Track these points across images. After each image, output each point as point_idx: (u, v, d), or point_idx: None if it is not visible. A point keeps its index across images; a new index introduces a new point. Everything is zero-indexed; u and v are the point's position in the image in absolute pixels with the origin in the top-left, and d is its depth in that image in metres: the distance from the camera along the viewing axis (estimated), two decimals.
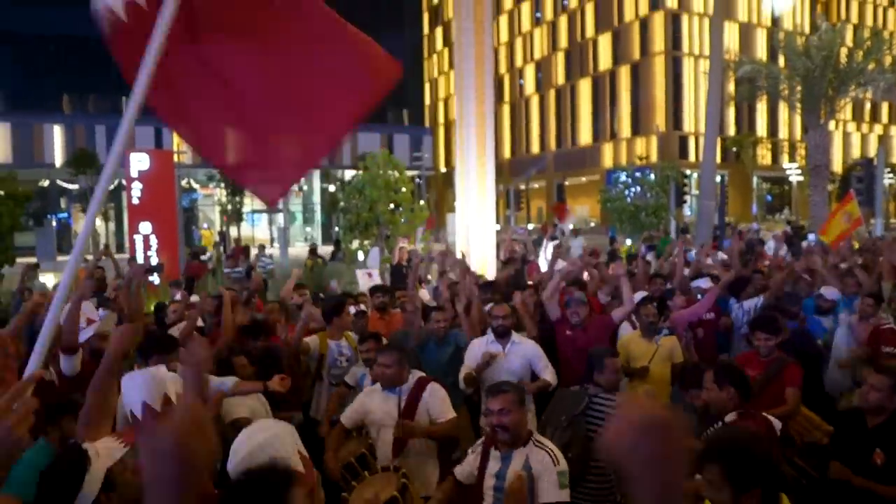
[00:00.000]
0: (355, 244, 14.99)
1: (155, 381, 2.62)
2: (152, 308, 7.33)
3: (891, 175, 40.22)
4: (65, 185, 39.37)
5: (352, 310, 6.07)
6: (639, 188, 21.73)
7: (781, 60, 23.90)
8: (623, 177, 22.44)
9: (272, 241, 37.91)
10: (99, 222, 38.62)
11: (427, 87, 68.69)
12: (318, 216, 47.87)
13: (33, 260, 22.39)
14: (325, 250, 27.03)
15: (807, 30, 49.29)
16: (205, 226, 44.47)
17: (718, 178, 23.42)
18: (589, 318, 5.60)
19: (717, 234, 17.46)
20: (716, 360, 5.11)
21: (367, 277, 9.35)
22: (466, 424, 5.05)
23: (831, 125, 27.79)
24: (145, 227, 16.57)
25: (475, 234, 11.35)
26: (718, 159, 30.68)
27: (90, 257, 10.83)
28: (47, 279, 14.05)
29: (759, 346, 4.72)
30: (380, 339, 4.95)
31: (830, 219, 11.05)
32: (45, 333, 2.20)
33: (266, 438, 2.22)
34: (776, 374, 4.53)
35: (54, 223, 38.22)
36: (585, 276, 7.37)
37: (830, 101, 21.36)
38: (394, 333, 5.86)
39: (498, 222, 41.38)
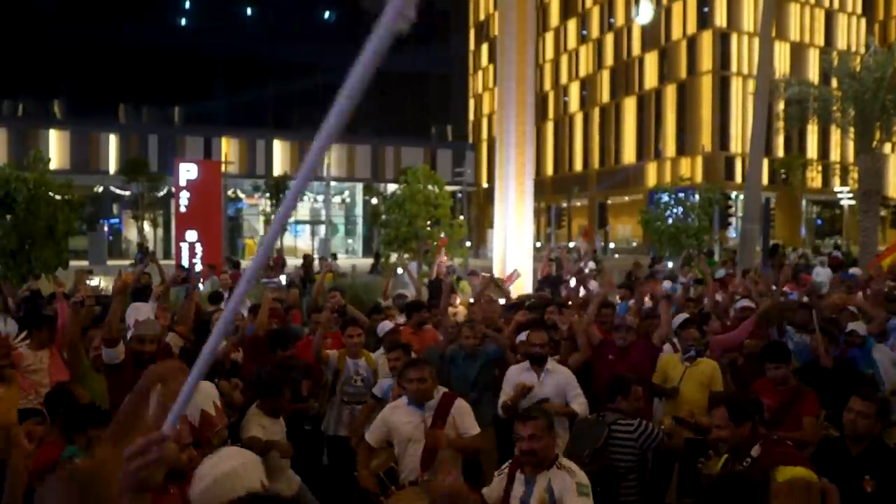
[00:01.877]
0: (394, 258, 15.17)
1: (199, 395, 2.89)
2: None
3: None
4: (117, 191, 40.76)
5: (387, 325, 6.14)
6: (681, 209, 21.44)
7: (834, 81, 23.36)
8: (665, 197, 22.18)
9: (314, 251, 38.46)
10: (147, 228, 39.81)
11: (471, 102, 69.08)
12: (360, 228, 48.46)
13: (85, 264, 23.20)
14: (366, 262, 27.32)
15: (862, 50, 48.06)
16: (249, 235, 45.48)
17: (765, 201, 22.92)
18: (634, 343, 5.57)
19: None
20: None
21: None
22: (492, 446, 5.08)
23: (886, 148, 26.94)
24: (191, 234, 17.05)
25: (513, 252, 11.38)
26: (766, 181, 30.05)
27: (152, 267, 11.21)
28: (96, 282, 14.54)
29: (770, 375, 4.72)
30: (409, 349, 5.03)
31: (887, 254, 10.70)
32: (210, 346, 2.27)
33: (232, 468, 2.29)
34: (795, 402, 4.54)
35: (106, 228, 39.55)
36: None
37: (885, 124, 20.76)
38: (429, 349, 5.93)
39: (539, 240, 41.13)
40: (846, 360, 5.81)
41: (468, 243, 25.77)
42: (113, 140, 44.02)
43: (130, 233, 42.83)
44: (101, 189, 41.80)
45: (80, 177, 33.59)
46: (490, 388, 5.41)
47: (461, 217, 20.23)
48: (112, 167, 42.87)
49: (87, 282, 13.05)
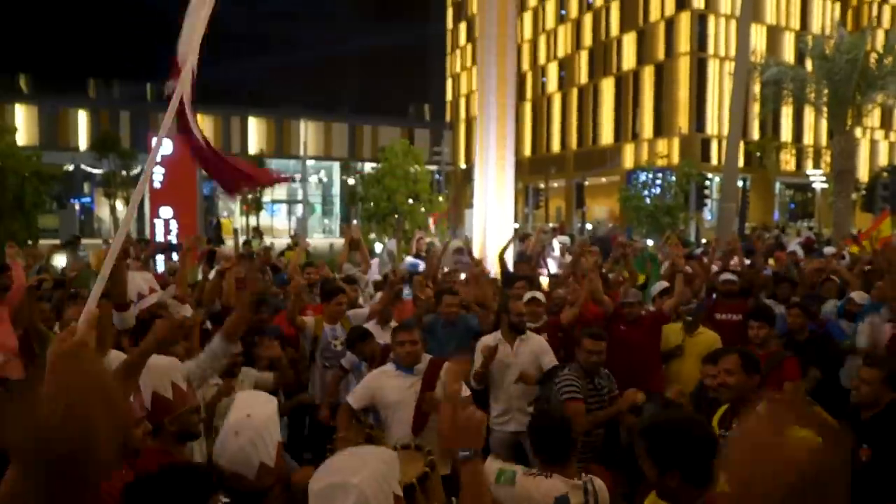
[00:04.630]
0: (372, 236, 15.01)
1: (152, 373, 2.71)
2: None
3: None
4: (89, 169, 39.87)
5: (361, 313, 6.06)
6: (658, 188, 21.58)
7: (809, 64, 23.57)
8: (643, 176, 22.28)
9: (290, 231, 38.04)
10: (120, 207, 39.07)
11: (449, 82, 68.60)
12: (336, 208, 48.05)
13: (57, 242, 22.70)
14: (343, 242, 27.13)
15: (836, 33, 48.47)
16: (224, 214, 44.86)
17: (740, 183, 23.15)
18: (641, 315, 5.65)
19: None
20: None
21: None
22: None
23: (858, 132, 27.34)
24: (166, 211, 16.73)
25: (493, 231, 11.29)
26: (741, 163, 30.30)
27: (112, 241, 10.98)
28: (62, 260, 14.22)
29: (752, 335, 4.76)
30: (366, 336, 4.99)
31: (870, 231, 10.93)
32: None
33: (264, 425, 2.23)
34: (774, 367, 4.56)
35: (77, 207, 38.69)
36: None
37: (857, 107, 21.04)
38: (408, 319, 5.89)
39: (517, 221, 41.05)
40: (823, 334, 5.87)
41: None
42: (83, 116, 42.99)
43: (102, 211, 42.01)
44: (71, 167, 40.84)
45: (50, 154, 32.68)
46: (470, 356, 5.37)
47: (440, 196, 20.12)
48: (83, 144, 41.93)
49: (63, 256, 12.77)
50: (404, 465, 3.47)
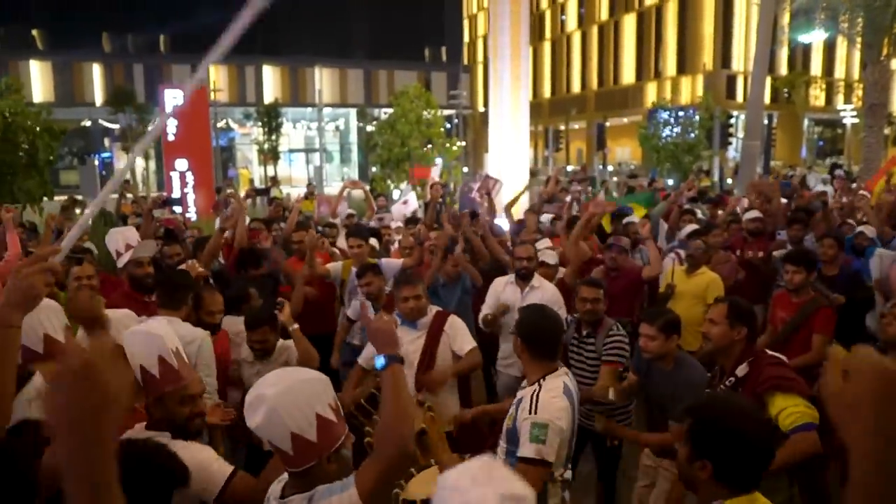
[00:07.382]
0: (389, 182, 14.83)
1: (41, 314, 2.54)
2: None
3: None
4: (106, 124, 39.89)
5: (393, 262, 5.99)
6: (678, 127, 20.92)
7: None
8: (665, 115, 21.60)
9: (308, 181, 37.97)
10: (140, 162, 39.19)
11: (466, 23, 66.86)
12: (354, 156, 47.77)
13: (78, 198, 22.91)
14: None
15: None
16: (242, 165, 44.87)
17: (766, 119, 22.36)
18: (623, 267, 5.49)
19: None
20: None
21: (403, 205, 9.27)
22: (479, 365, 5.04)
23: (893, 63, 26.12)
24: (181, 163, 16.66)
25: (508, 175, 11.10)
26: (768, 100, 29.27)
27: (130, 196, 10.98)
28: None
29: (787, 279, 4.42)
30: (378, 270, 4.86)
31: (880, 175, 10.49)
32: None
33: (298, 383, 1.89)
34: (807, 318, 4.23)
35: (96, 162, 38.85)
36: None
37: (894, 35, 20.01)
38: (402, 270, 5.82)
39: (537, 163, 40.37)
40: (854, 273, 5.67)
41: (465, 169, 25.37)
42: (97, 70, 42.79)
43: (122, 166, 42.24)
44: (88, 123, 40.88)
45: (67, 110, 32.68)
46: (468, 314, 5.30)
47: (456, 139, 19.73)
48: (98, 99, 41.86)
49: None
50: (427, 482, 3.39)
